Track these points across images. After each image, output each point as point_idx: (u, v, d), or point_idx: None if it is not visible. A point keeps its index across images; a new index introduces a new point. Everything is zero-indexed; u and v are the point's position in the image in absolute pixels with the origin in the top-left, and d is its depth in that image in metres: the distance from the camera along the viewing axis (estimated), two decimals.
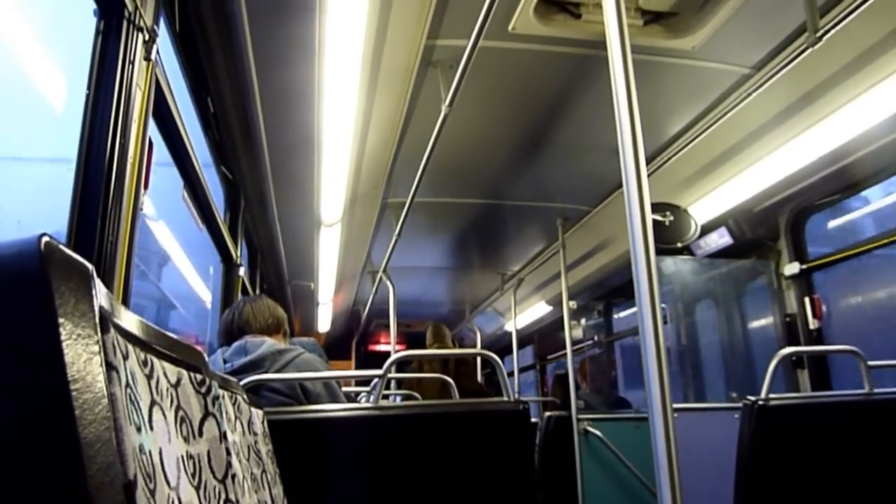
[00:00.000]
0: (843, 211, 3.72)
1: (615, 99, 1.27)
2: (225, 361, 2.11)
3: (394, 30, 2.32)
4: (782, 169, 3.17)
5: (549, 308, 6.41)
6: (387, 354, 2.34)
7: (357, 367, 8.99)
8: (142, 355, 0.60)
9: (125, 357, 0.53)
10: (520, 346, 6.13)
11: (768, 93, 2.52)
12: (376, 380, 2.16)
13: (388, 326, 5.39)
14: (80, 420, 0.40)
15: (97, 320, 0.46)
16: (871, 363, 2.40)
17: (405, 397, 4.21)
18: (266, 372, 2.04)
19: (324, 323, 7.44)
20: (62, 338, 0.41)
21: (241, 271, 3.54)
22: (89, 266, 0.47)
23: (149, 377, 0.61)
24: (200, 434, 0.76)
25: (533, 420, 3.84)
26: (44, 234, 0.43)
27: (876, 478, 2.24)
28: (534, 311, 6.67)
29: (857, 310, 3.74)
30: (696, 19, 2.36)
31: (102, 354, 0.45)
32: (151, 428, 0.57)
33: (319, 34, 2.21)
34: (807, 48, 2.19)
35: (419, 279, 6.60)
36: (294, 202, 3.79)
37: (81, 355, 0.42)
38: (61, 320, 0.42)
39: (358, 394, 4.34)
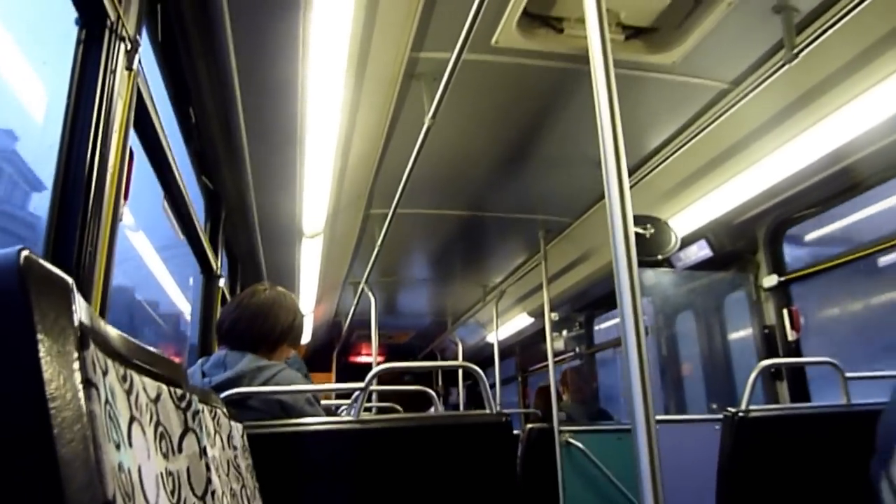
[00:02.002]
0: (821, 224, 3.78)
1: (597, 112, 1.28)
2: (204, 375, 2.07)
3: (378, 42, 2.33)
4: (761, 182, 3.21)
5: (530, 320, 6.43)
6: (368, 366, 2.31)
7: (338, 380, 8.92)
8: (121, 370, 0.59)
9: (104, 373, 0.52)
10: (502, 358, 6.12)
11: (747, 107, 2.57)
12: (357, 393, 2.14)
13: (369, 338, 5.37)
14: (59, 439, 0.39)
15: (77, 336, 0.45)
16: (848, 375, 2.43)
17: (387, 409, 4.19)
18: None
19: (305, 334, 7.39)
20: (41, 354, 0.40)
21: (221, 282, 3.51)
22: (69, 281, 0.46)
23: (128, 392, 0.60)
24: (180, 450, 0.74)
25: (515, 432, 3.84)
26: (23, 248, 0.42)
27: (854, 489, 2.26)
28: (516, 322, 6.68)
29: (835, 321, 3.79)
30: (677, 35, 2.40)
31: (82, 371, 0.44)
32: (131, 445, 0.56)
33: (303, 45, 2.21)
34: (784, 64, 2.24)
35: (401, 291, 6.59)
36: (276, 212, 3.77)
37: (60, 372, 0.41)
38: (40, 336, 0.41)
39: (339, 406, 4.30)
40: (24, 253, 0.42)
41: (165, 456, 0.69)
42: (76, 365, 0.43)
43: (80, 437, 0.41)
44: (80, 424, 0.41)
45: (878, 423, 2.00)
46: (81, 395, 0.43)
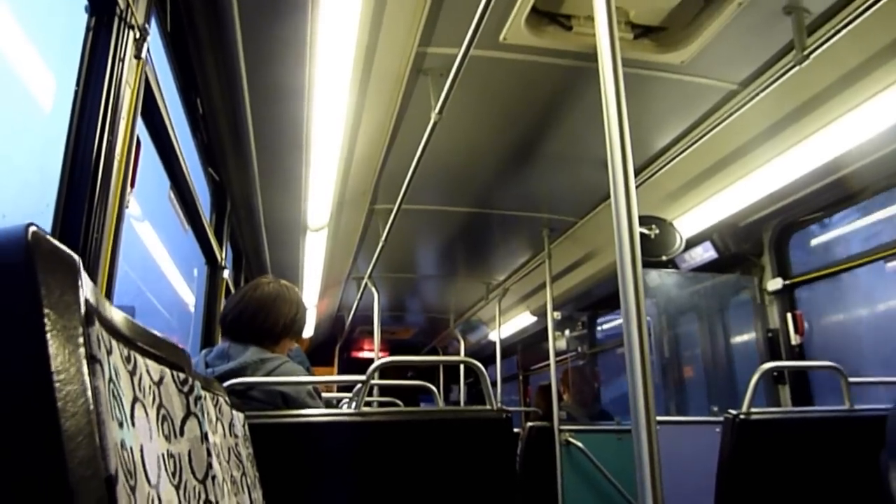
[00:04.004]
0: (827, 228, 3.77)
1: (605, 111, 1.27)
2: (207, 365, 2.08)
3: (385, 37, 2.33)
4: (767, 185, 3.20)
5: (533, 318, 6.42)
6: (370, 361, 2.31)
7: (340, 374, 8.93)
8: (125, 351, 0.60)
9: (109, 352, 0.52)
10: (503, 356, 6.11)
11: (755, 109, 2.56)
12: (359, 385, 2.15)
13: (372, 333, 5.37)
14: (63, 412, 0.39)
15: (82, 313, 0.45)
16: (851, 379, 2.42)
17: (388, 404, 4.19)
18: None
19: (308, 328, 7.40)
20: (46, 329, 0.40)
21: (226, 274, 3.52)
22: (76, 258, 0.46)
23: (132, 373, 0.61)
24: (181, 433, 0.75)
25: (515, 430, 3.84)
26: (31, 224, 0.42)
27: (855, 493, 2.26)
28: (518, 321, 6.67)
29: (839, 326, 3.78)
30: (686, 35, 2.39)
31: (87, 347, 0.44)
32: (133, 424, 0.56)
33: (311, 38, 2.21)
34: (794, 66, 2.23)
35: (404, 286, 6.59)
36: (281, 206, 3.78)
37: (65, 347, 0.42)
38: (46, 311, 0.41)
39: (340, 400, 4.31)
40: (32, 229, 0.42)
41: (167, 438, 0.69)
42: (81, 340, 0.44)
43: (84, 411, 0.41)
44: (84, 399, 0.42)
45: (887, 420, 2.00)
46: (86, 370, 0.43)
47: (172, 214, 2.77)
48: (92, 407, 0.42)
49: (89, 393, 0.42)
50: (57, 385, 0.40)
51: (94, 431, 0.42)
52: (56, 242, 0.44)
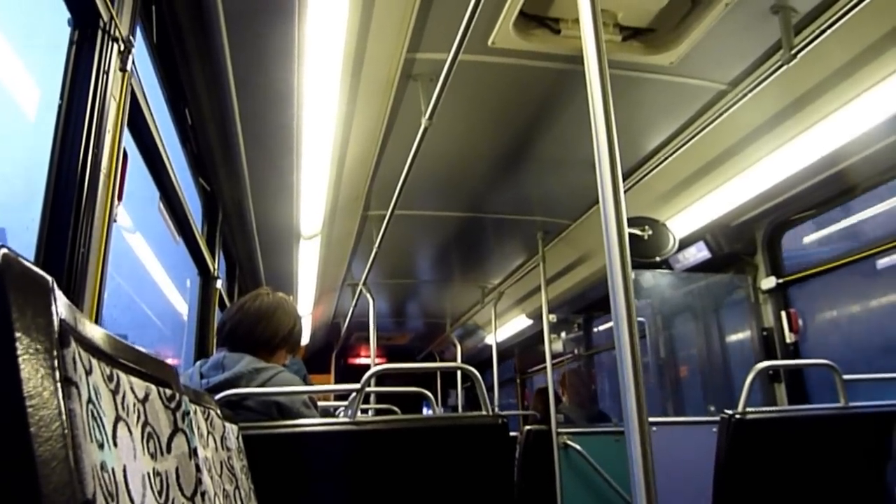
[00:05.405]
0: (819, 226, 3.77)
1: (592, 113, 1.27)
2: (202, 376, 2.07)
3: (374, 43, 2.33)
4: (759, 184, 3.21)
5: (529, 321, 6.42)
6: (367, 368, 2.30)
7: (336, 381, 8.91)
8: (107, 370, 0.59)
9: (88, 372, 0.51)
10: (500, 360, 6.10)
11: (745, 109, 2.56)
12: (354, 394, 2.14)
13: (368, 339, 5.36)
14: (36, 437, 0.39)
15: (56, 334, 0.44)
16: (846, 377, 2.42)
17: (384, 411, 4.18)
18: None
19: (303, 336, 7.37)
20: (18, 352, 0.40)
21: (219, 284, 3.50)
22: (49, 278, 0.45)
23: (114, 392, 0.60)
24: (169, 450, 0.74)
25: (512, 434, 3.83)
26: (1, 246, 0.42)
27: (851, 491, 2.26)
28: (514, 324, 6.67)
29: (834, 324, 3.78)
30: (674, 36, 2.40)
31: (61, 369, 0.44)
32: (115, 445, 0.55)
33: (299, 46, 2.21)
34: (782, 65, 2.24)
35: (399, 292, 6.58)
36: (273, 214, 3.77)
37: (38, 370, 0.41)
38: (18, 335, 0.40)
39: (337, 408, 4.30)
40: (3, 251, 0.42)
41: (153, 456, 0.68)
42: (55, 363, 0.43)
43: (59, 435, 0.40)
44: (58, 423, 0.41)
45: (894, 427, 1.99)
46: (60, 393, 0.42)
47: (164, 225, 2.76)
48: (67, 431, 0.41)
49: (64, 417, 0.42)
50: (30, 410, 0.39)
51: (70, 456, 0.41)
52: (28, 263, 0.44)
